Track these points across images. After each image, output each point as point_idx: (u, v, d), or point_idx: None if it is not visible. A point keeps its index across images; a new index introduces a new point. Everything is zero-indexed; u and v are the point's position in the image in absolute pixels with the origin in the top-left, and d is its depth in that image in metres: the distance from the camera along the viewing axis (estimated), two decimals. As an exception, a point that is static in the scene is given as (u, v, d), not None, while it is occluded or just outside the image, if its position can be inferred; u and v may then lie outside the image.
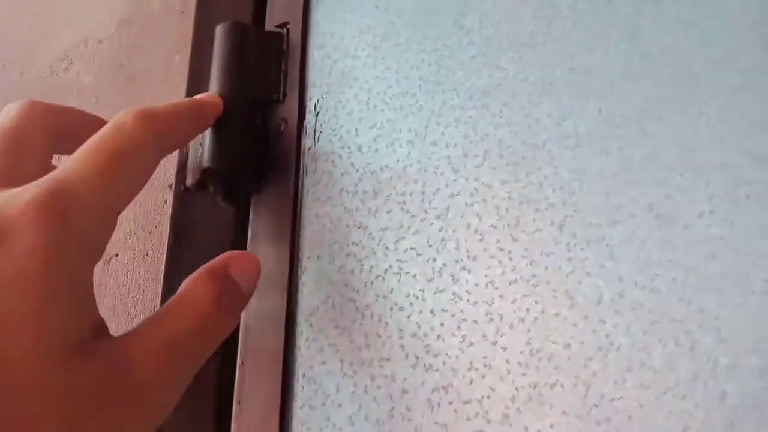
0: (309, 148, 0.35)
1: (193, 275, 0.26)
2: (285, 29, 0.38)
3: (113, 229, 0.25)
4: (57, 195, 0.23)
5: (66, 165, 0.24)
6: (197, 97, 0.33)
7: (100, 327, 0.24)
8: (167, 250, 0.35)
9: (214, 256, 0.33)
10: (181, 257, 0.35)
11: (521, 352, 0.26)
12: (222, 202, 0.36)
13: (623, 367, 0.25)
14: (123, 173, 0.25)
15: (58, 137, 0.28)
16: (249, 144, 0.36)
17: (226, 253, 0.28)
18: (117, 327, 0.35)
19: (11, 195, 0.23)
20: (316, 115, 0.36)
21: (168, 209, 0.37)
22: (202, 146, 0.35)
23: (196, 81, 0.39)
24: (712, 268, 0.24)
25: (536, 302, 0.27)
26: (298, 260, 0.33)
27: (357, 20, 0.36)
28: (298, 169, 0.35)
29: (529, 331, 0.26)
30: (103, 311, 0.24)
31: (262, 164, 0.36)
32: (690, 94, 0.27)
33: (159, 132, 0.27)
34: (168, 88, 0.42)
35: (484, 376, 0.27)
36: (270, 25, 0.39)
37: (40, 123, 0.28)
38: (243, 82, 0.36)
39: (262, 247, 0.34)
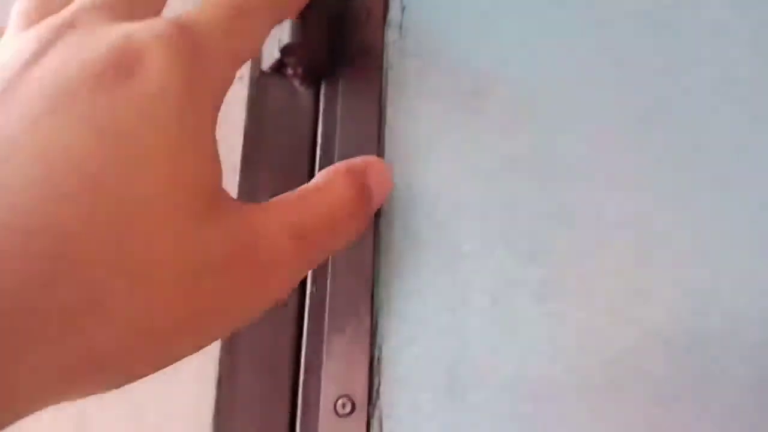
0: (394, 42, 0.34)
1: (330, 169, 0.25)
2: None
3: (230, 87, 0.24)
4: (188, 34, 0.21)
5: (191, 12, 0.22)
6: None
7: (224, 189, 0.22)
8: (243, 138, 0.33)
9: (292, 145, 0.31)
10: (259, 146, 0.33)
11: (626, 252, 0.29)
12: (301, 86, 0.34)
13: (718, 269, 0.28)
14: (248, 30, 0.24)
15: None
16: (331, 24, 0.34)
17: (364, 157, 0.27)
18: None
19: (137, 27, 0.20)
20: (402, 9, 0.35)
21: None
22: (280, 24, 0.33)
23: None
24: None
25: (641, 208, 0.29)
26: (384, 153, 0.33)
27: None
28: (383, 62, 0.34)
29: (634, 234, 0.29)
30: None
31: (342, 50, 0.34)
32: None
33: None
34: None
35: (590, 271, 0.29)
36: None
37: None
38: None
39: (342, 135, 0.33)
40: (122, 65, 0.19)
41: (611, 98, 0.31)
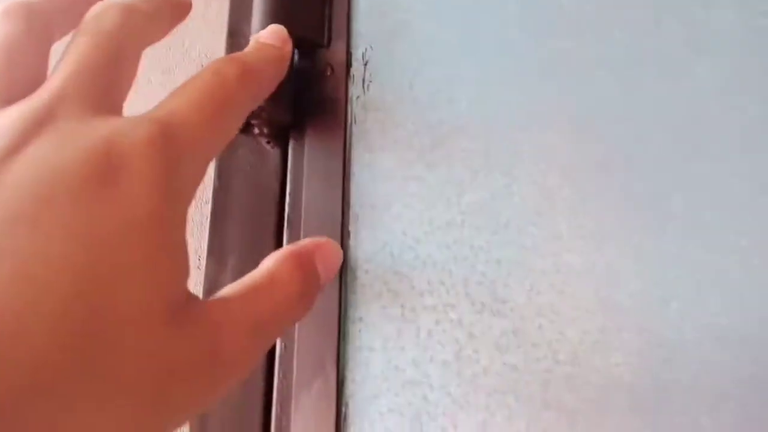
0: (357, 97, 0.35)
1: (279, 255, 0.26)
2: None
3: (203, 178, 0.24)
4: (169, 138, 0.21)
5: (171, 105, 0.23)
6: (279, 49, 0.30)
7: (188, 290, 0.23)
8: (213, 197, 0.34)
9: (260, 202, 0.32)
10: (228, 205, 0.34)
11: (588, 300, 0.29)
12: (267, 145, 0.35)
13: (683, 314, 0.28)
14: (225, 126, 0.25)
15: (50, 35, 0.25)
16: (295, 81, 0.35)
17: (312, 240, 0.28)
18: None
19: (119, 128, 0.21)
20: (365, 64, 0.36)
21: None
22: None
23: (237, 19, 0.37)
24: None
25: (602, 256, 0.29)
26: (350, 207, 0.33)
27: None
28: (347, 117, 0.35)
29: (596, 281, 0.29)
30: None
31: (307, 107, 0.35)
32: None
33: (255, 92, 0.27)
34: (208, 29, 0.39)
35: (552, 322, 0.29)
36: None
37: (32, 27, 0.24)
38: (286, 23, 0.35)
39: (308, 191, 0.34)
40: (105, 174, 0.19)
41: (569, 146, 0.32)
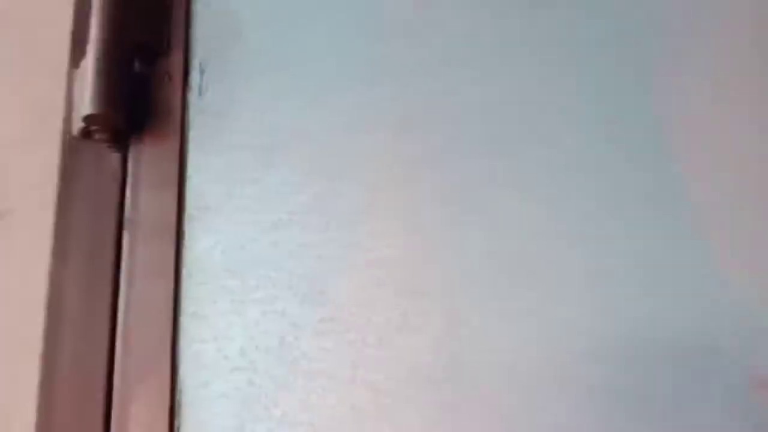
0: (194, 103, 0.37)
1: None
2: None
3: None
4: None
5: None
6: None
7: None
8: (56, 197, 0.35)
9: (101, 205, 0.34)
10: (68, 206, 0.35)
11: (397, 289, 0.32)
12: (108, 149, 0.36)
13: (486, 296, 0.32)
14: None
15: None
16: (134, 88, 0.36)
17: None
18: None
19: None
20: (202, 73, 0.38)
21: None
22: (82, 93, 0.35)
23: (81, 23, 0.38)
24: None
25: (420, 252, 0.33)
26: (184, 209, 0.35)
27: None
28: (183, 121, 0.37)
29: (410, 272, 0.32)
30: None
31: (145, 113, 0.37)
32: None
33: None
34: (55, 31, 0.40)
35: (362, 308, 0.32)
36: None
37: None
38: (125, 28, 0.36)
39: (146, 194, 0.36)
40: None
41: (392, 147, 0.35)
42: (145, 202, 0.35)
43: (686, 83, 0.33)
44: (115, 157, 0.37)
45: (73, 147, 0.37)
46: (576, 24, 0.35)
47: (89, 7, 0.38)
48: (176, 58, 0.37)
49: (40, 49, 0.44)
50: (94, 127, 0.35)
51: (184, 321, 0.33)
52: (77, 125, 0.36)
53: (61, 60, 0.42)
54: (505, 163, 0.34)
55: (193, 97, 0.37)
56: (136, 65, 0.38)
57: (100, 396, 0.33)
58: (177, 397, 0.32)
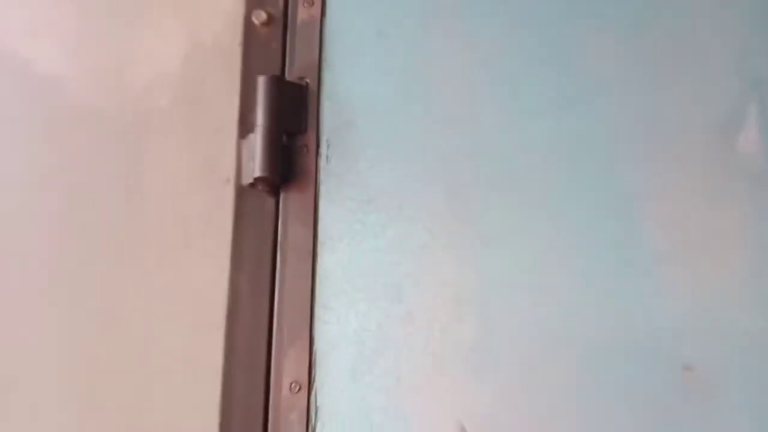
0: (323, 167, 0.56)
1: None
2: (305, 82, 0.58)
3: None
4: None
5: None
6: None
7: None
8: (232, 230, 0.55)
9: (263, 233, 0.54)
10: (242, 235, 0.55)
11: (455, 298, 0.51)
12: (267, 195, 0.56)
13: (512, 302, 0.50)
14: None
15: None
16: (282, 156, 0.56)
17: None
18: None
19: None
20: (328, 146, 0.57)
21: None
22: (254, 158, 0.55)
23: (246, 105, 0.58)
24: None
25: (464, 276, 0.52)
26: (317, 238, 0.55)
27: (360, 87, 0.57)
28: (316, 180, 0.56)
29: (459, 287, 0.51)
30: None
31: (291, 171, 0.56)
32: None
33: None
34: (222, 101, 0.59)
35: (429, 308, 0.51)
36: (291, 76, 0.59)
37: None
38: (279, 115, 0.56)
39: (292, 227, 0.56)
40: None
41: (444, 207, 0.54)
42: (292, 233, 0.55)
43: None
44: (271, 202, 0.57)
45: (243, 193, 0.57)
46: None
47: (254, 93, 0.57)
48: (311, 135, 0.57)
49: (209, 115, 0.63)
50: (260, 183, 0.55)
51: (317, 310, 0.53)
52: (247, 179, 0.56)
53: (225, 127, 0.61)
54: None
55: (322, 163, 0.56)
56: (284, 140, 0.57)
57: (263, 355, 0.53)
58: (313, 357, 0.52)
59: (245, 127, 0.58)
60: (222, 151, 0.61)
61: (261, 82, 0.57)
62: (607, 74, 0.53)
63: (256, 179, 0.55)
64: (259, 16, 0.61)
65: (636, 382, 0.47)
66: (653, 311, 0.48)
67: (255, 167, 0.55)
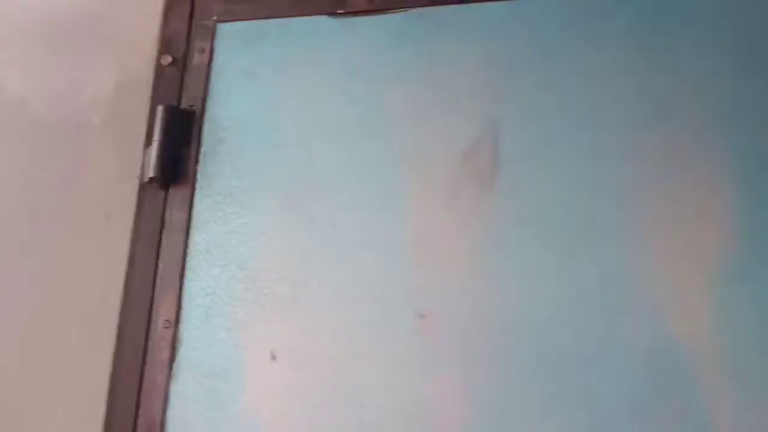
0: (199, 171, 0.79)
1: None
2: (193, 109, 0.81)
3: None
4: None
5: None
6: None
7: None
8: (135, 208, 0.78)
9: (155, 211, 0.77)
10: (142, 212, 0.78)
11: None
12: (159, 190, 0.79)
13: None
14: None
15: None
16: (171, 163, 0.79)
17: None
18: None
19: None
20: (204, 156, 0.79)
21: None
22: (149, 163, 0.78)
23: (150, 135, 0.81)
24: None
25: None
26: (191, 223, 0.77)
27: (231, 113, 0.80)
28: (194, 180, 0.79)
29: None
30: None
31: (177, 175, 0.79)
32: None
33: None
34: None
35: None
36: (184, 105, 0.82)
37: None
38: (172, 134, 0.79)
39: (175, 214, 0.78)
40: None
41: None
42: (174, 217, 0.78)
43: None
44: (162, 195, 0.79)
45: (144, 188, 0.80)
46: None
47: (155, 117, 0.80)
48: (193, 148, 0.80)
49: (128, 131, 0.86)
50: (153, 181, 0.78)
51: (187, 271, 0.76)
52: (146, 177, 0.79)
53: (138, 140, 0.84)
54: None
55: (199, 168, 0.79)
56: (175, 150, 0.80)
57: (148, 302, 0.76)
58: (180, 304, 0.75)
59: (149, 140, 0.81)
60: (135, 157, 0.84)
61: (159, 110, 0.80)
62: (396, 114, 0.75)
63: (150, 178, 0.78)
64: (166, 59, 0.84)
65: (382, 325, 0.69)
66: (401, 277, 0.70)
67: (150, 169, 0.78)
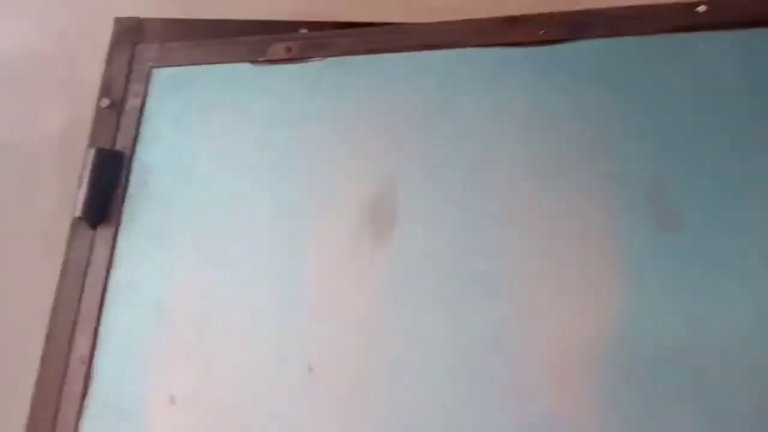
0: (125, 212, 0.82)
1: None
2: (123, 151, 0.84)
3: None
4: None
5: None
6: None
7: None
8: (66, 246, 0.82)
9: (82, 251, 0.80)
10: (72, 251, 0.82)
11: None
12: (89, 228, 0.82)
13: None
14: None
15: None
16: (101, 203, 0.82)
17: None
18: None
19: None
20: (130, 198, 0.82)
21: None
22: (77, 204, 0.81)
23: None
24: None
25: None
26: (113, 261, 0.80)
27: (157, 156, 0.83)
28: (119, 221, 0.82)
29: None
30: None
31: (106, 214, 0.82)
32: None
33: None
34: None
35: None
36: (117, 146, 0.85)
37: None
38: (101, 177, 0.82)
39: (99, 252, 0.81)
40: None
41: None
42: (98, 255, 0.81)
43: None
44: (90, 233, 0.83)
45: (76, 225, 0.83)
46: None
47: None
48: (121, 190, 0.83)
49: (72, 168, 0.90)
50: (81, 221, 0.82)
51: (105, 307, 0.79)
52: (76, 216, 0.82)
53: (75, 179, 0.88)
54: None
55: (125, 209, 0.82)
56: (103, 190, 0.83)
57: (68, 337, 0.80)
58: (96, 340, 0.78)
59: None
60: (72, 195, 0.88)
61: (90, 152, 0.83)
62: (308, 162, 0.76)
63: (77, 218, 0.81)
64: (104, 102, 0.88)
65: (273, 375, 0.70)
66: (295, 327, 0.71)
67: (77, 209, 0.81)
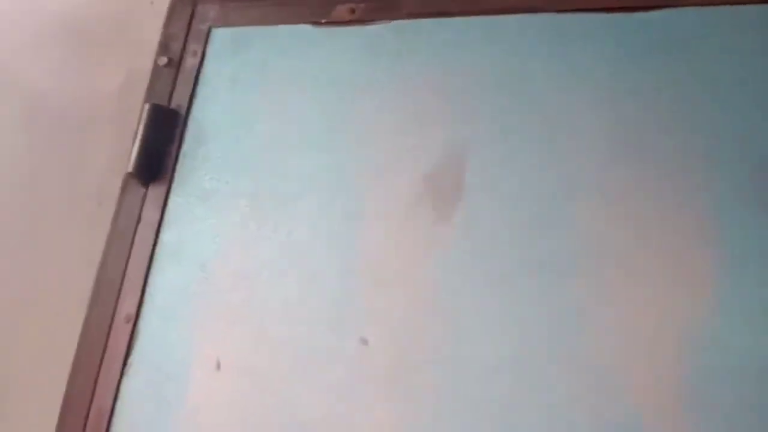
0: (177, 171, 0.80)
1: None
2: (179, 109, 0.83)
3: None
4: None
5: None
6: None
7: None
8: (118, 200, 0.81)
9: (134, 207, 0.79)
10: (122, 208, 0.81)
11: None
12: (141, 186, 0.81)
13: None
14: None
15: None
16: (152, 161, 0.81)
17: None
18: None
19: None
20: (184, 157, 0.81)
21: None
22: (131, 159, 0.80)
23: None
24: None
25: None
26: (163, 221, 0.79)
27: (213, 116, 0.81)
28: (171, 180, 0.80)
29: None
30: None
31: (158, 173, 0.81)
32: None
33: None
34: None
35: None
36: (172, 104, 0.83)
37: None
38: (155, 134, 0.81)
39: (149, 212, 0.80)
40: None
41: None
42: (148, 214, 0.79)
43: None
44: (142, 191, 0.81)
45: (128, 181, 0.82)
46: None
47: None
48: (174, 148, 0.81)
49: (129, 124, 0.89)
50: (132, 177, 0.80)
51: (153, 265, 0.77)
52: (129, 171, 0.81)
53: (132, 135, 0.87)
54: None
55: (178, 167, 0.80)
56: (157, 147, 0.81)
57: (115, 295, 0.78)
58: (143, 299, 0.76)
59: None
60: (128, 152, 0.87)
61: (145, 108, 0.82)
62: (365, 127, 0.73)
63: (129, 174, 0.80)
64: (162, 60, 0.86)
65: (324, 346, 0.67)
66: (348, 299, 0.68)
67: (130, 165, 0.80)
